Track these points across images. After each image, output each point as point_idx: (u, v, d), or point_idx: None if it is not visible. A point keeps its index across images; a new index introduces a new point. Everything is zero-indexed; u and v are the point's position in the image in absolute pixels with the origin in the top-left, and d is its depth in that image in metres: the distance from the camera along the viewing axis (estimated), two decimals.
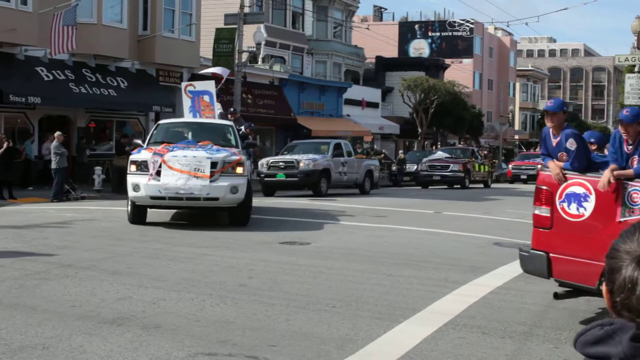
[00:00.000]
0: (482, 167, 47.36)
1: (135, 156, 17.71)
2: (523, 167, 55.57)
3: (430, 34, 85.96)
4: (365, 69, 67.49)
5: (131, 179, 17.26)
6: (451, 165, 44.36)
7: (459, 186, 43.62)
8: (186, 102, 22.20)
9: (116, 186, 30.12)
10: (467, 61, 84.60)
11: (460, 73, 77.99)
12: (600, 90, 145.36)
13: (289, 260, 12.99)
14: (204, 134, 19.55)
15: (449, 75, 74.40)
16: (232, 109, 26.52)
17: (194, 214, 19.95)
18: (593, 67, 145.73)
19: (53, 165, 26.47)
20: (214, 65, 38.07)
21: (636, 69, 36.81)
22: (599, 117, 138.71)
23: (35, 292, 9.81)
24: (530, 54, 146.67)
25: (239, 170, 17.45)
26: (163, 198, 17.02)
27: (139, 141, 19.91)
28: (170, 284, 10.53)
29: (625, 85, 37.06)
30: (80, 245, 14.16)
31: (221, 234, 16.35)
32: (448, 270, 12.35)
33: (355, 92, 57.91)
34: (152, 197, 17.01)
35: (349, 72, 63.41)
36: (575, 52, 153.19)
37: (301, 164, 31.80)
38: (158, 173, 16.97)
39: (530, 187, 45.69)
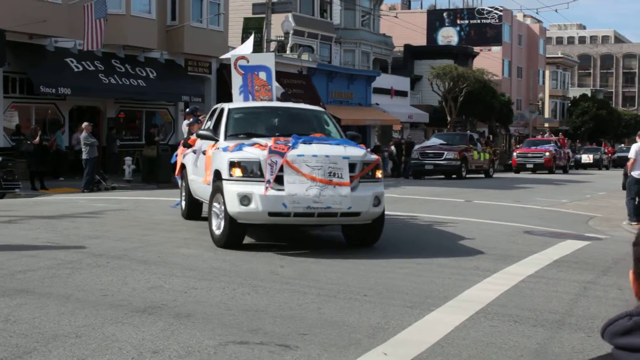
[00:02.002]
0: (482, 155, 44.22)
1: (237, 155, 12.72)
2: (529, 154, 51.95)
3: (458, 21, 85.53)
4: (394, 57, 67.27)
5: (235, 188, 12.38)
6: (445, 152, 40.89)
7: (455, 176, 40.55)
8: (236, 80, 16.58)
9: (146, 176, 30.29)
10: (496, 49, 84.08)
11: (489, 61, 77.53)
12: (631, 77, 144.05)
13: (320, 248, 12.98)
14: (293, 124, 14.93)
15: (477, 63, 73.98)
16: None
17: None
18: (623, 54, 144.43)
19: (83, 156, 26.64)
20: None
21: None
22: (629, 105, 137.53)
23: (68, 281, 9.87)
24: (559, 41, 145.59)
25: (379, 174, 13.28)
26: (287, 214, 12.18)
27: (207, 132, 14.73)
28: (201, 273, 10.56)
29: None
30: (111, 234, 14.24)
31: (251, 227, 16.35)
32: (479, 259, 12.31)
33: (384, 80, 57.71)
34: (272, 214, 12.18)
35: (377, 61, 63.22)
36: (605, 38, 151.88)
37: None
38: (278, 180, 12.23)
39: (542, 176, 45.17)
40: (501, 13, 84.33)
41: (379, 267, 11.34)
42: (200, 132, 14.94)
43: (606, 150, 74.11)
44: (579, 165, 65.19)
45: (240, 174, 12.42)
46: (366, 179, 12.75)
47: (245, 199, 12.18)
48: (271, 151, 12.30)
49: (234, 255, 12.17)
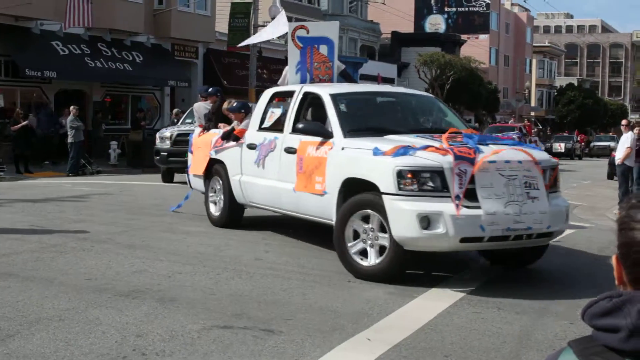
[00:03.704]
0: None
1: (408, 161, 9.25)
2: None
3: (446, 9, 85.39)
4: (381, 44, 67.22)
5: (411, 206, 9.06)
6: None
7: None
8: (293, 54, 13.17)
9: (131, 161, 30.22)
10: (483, 37, 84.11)
11: (476, 49, 77.60)
12: (618, 67, 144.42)
13: (305, 234, 12.99)
14: (415, 115, 12.64)
15: (465, 51, 74.04)
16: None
17: None
18: (610, 44, 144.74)
19: (69, 139, 26.56)
20: (230, 41, 38.06)
21: None
22: (615, 95, 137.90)
23: (52, 265, 9.86)
24: (547, 30, 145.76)
25: (559, 181, 10.77)
26: (480, 240, 9.16)
27: (315, 126, 11.16)
28: (186, 258, 10.56)
29: None
30: (96, 219, 14.21)
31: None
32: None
33: (371, 67, 57.67)
34: (465, 239, 9.07)
35: (364, 48, 63.19)
36: (592, 28, 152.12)
37: None
38: (468, 194, 9.07)
39: None
40: (489, 1, 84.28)
41: None
42: (303, 125, 11.13)
43: (579, 139, 71.30)
44: (550, 155, 63.60)
45: (416, 187, 9.10)
46: (552, 188, 10.10)
47: (427, 221, 8.97)
48: (458, 157, 9.13)
49: (219, 240, 12.16)
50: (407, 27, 77.65)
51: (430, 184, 9.11)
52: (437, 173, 9.08)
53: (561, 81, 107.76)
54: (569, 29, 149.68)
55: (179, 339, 6.73)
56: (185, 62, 39.21)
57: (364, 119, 11.71)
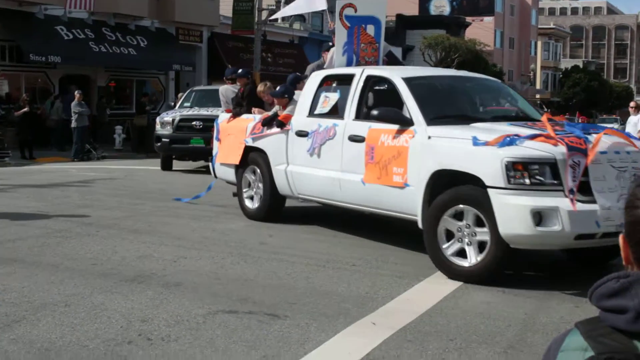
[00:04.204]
0: None
1: (517, 152, 8.42)
2: None
3: None
4: (386, 27, 66.83)
5: (524, 201, 8.28)
6: None
7: None
8: (340, 34, 12.30)
9: (136, 145, 30.23)
10: (488, 19, 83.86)
11: (481, 31, 77.38)
12: (623, 49, 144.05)
13: (308, 220, 12.99)
14: (489, 101, 12.01)
15: (470, 33, 73.84)
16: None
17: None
18: (616, 26, 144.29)
19: (73, 124, 26.57)
20: (234, 24, 38.00)
21: None
22: (621, 77, 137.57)
23: (57, 250, 9.87)
24: (552, 12, 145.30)
25: None
26: (593, 236, 8.42)
27: (393, 112, 10.02)
28: (191, 242, 10.56)
29: None
30: (101, 204, 14.22)
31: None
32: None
33: None
34: (579, 236, 8.32)
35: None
36: (597, 10, 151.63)
37: None
38: (582, 187, 8.30)
39: None
40: None
41: (367, 238, 11.34)
42: (379, 112, 10.00)
43: (579, 121, 71.19)
44: None
45: (527, 181, 8.31)
46: None
47: (540, 217, 8.22)
48: (570, 147, 8.36)
49: (223, 225, 12.17)
50: (412, 9, 77.46)
51: (542, 176, 8.30)
52: (550, 165, 8.29)
53: (566, 63, 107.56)
54: (574, 10, 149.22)
55: (184, 324, 6.74)
56: (189, 46, 39.14)
57: (443, 105, 10.80)
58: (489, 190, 8.40)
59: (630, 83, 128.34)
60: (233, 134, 13.25)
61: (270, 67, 42.83)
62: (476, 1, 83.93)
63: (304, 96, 12.04)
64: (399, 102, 10.14)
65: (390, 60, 13.32)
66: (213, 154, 14.00)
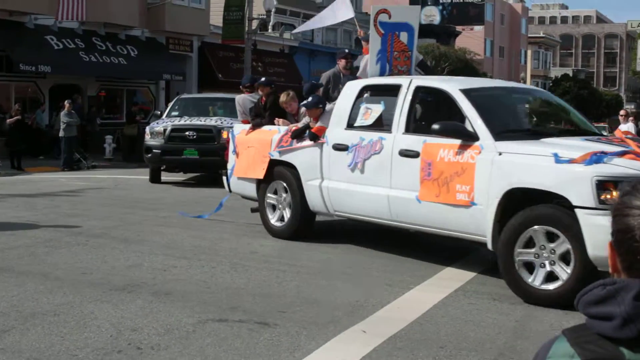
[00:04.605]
0: None
1: (606, 170, 7.98)
2: None
3: (441, 0, 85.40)
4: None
5: None
6: None
7: None
8: (374, 42, 11.62)
9: (127, 155, 30.18)
10: (478, 28, 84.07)
11: (471, 40, 77.57)
12: (613, 57, 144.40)
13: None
14: (548, 115, 11.70)
15: (460, 42, 74.05)
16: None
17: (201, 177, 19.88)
18: (605, 34, 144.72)
19: (60, 134, 26.51)
20: (224, 34, 38.00)
21: None
22: (610, 85, 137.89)
23: (47, 259, 9.85)
24: (542, 20, 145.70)
25: None
26: None
27: (458, 126, 9.46)
28: (181, 251, 10.55)
29: (637, 52, 36.85)
30: (91, 213, 14.19)
31: (232, 203, 16.31)
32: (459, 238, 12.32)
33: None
34: None
35: (359, 40, 63.07)
36: (587, 18, 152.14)
37: None
38: None
39: None
40: None
41: (357, 246, 11.34)
42: (442, 126, 9.32)
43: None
44: None
45: None
46: None
47: None
48: None
49: (214, 234, 12.16)
50: None
51: None
52: None
53: (556, 72, 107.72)
54: (564, 19, 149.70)
55: (174, 333, 6.73)
56: (180, 55, 39.10)
57: (506, 118, 10.38)
58: (577, 211, 7.91)
59: (620, 91, 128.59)
60: (254, 146, 12.35)
61: (260, 76, 42.72)
62: (466, 10, 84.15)
63: (339, 107, 11.18)
64: (455, 115, 9.59)
65: (425, 70, 12.73)
66: (228, 167, 13.04)
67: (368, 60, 11.70)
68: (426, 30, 72.58)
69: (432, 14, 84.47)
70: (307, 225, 11.85)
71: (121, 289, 8.33)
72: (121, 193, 18.09)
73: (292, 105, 12.55)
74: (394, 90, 10.54)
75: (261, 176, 12.06)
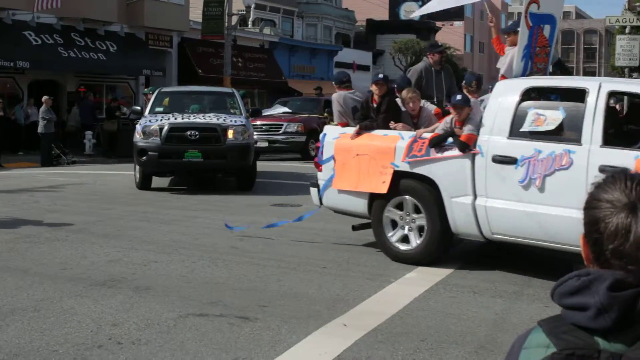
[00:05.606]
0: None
1: None
2: None
3: None
4: (356, 32, 67.18)
5: None
6: (285, 125, 28.48)
7: (299, 156, 28.23)
8: (523, 35, 10.03)
9: (106, 151, 30.08)
10: (458, 24, 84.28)
11: (451, 36, 77.74)
12: (592, 52, 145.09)
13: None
14: None
15: (440, 38, 74.04)
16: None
17: (193, 180, 19.71)
18: (584, 30, 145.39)
19: (39, 130, 26.38)
20: (204, 30, 37.91)
21: (627, 31, 36.68)
22: None
23: (26, 255, 9.80)
24: None
25: None
26: None
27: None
28: (161, 246, 10.52)
29: (616, 47, 36.97)
30: (71, 209, 14.13)
31: (212, 198, 16.31)
32: None
33: (346, 55, 57.65)
34: None
35: (339, 35, 63.11)
36: (566, 14, 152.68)
37: None
38: None
39: None
40: None
41: (339, 240, 11.35)
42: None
43: None
44: None
45: None
46: None
47: None
48: None
49: (194, 229, 12.13)
50: (382, 14, 77.60)
51: None
52: None
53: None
54: None
55: (154, 328, 6.72)
56: (159, 51, 38.97)
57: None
58: None
59: None
60: (366, 154, 10.31)
61: (240, 72, 42.76)
62: None
63: (494, 112, 9.40)
64: None
65: (561, 70, 11.10)
66: (321, 177, 10.99)
67: (515, 55, 10.20)
68: (406, 25, 72.80)
69: (412, 10, 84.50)
70: (444, 249, 10.00)
71: (101, 284, 8.30)
72: (101, 188, 18.01)
73: (416, 104, 10.74)
74: (575, 94, 9.06)
75: (384, 190, 10.02)
